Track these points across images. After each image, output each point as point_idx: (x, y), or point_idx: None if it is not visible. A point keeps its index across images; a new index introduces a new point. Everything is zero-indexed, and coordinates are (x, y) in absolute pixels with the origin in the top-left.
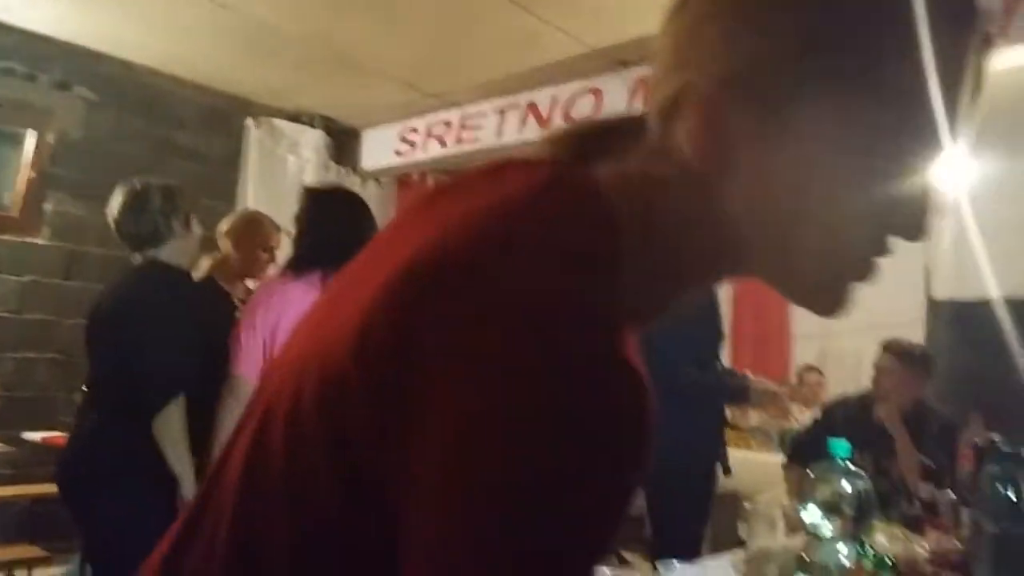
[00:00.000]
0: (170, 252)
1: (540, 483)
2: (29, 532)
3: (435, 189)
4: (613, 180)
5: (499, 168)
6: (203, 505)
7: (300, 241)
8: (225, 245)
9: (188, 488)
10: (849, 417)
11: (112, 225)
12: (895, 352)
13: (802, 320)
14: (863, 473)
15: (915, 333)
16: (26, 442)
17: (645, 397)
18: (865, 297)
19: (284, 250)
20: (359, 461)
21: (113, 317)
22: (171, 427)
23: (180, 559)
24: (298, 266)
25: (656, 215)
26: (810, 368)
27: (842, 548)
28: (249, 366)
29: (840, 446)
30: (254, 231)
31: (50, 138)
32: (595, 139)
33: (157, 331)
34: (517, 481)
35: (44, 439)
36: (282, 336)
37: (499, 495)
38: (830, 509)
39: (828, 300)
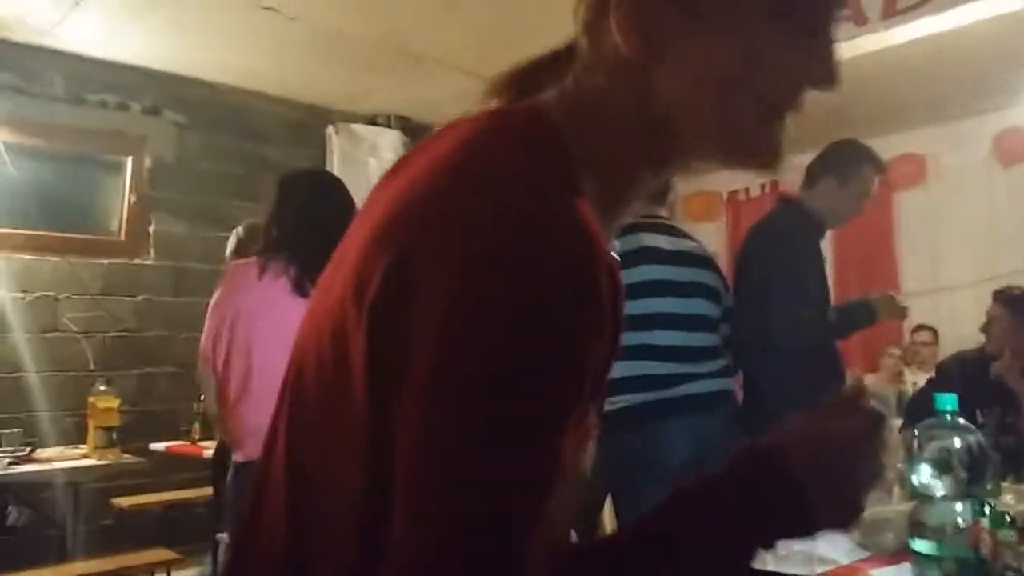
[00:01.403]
0: None
1: (518, 359)
2: (164, 536)
3: (402, 157)
4: (553, 101)
5: (453, 124)
6: (263, 484)
7: (267, 227)
8: None
9: None
10: (966, 374)
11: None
12: (1005, 300)
13: (912, 278)
14: (973, 427)
15: None
16: (153, 452)
17: (606, 279)
18: (981, 248)
19: None
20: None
21: None
22: None
23: (247, 540)
24: (264, 253)
25: (597, 119)
26: (921, 327)
27: (956, 507)
28: (207, 343)
29: (946, 400)
30: None
31: (147, 163)
32: (531, 76)
33: None
34: (499, 356)
35: (168, 448)
36: (244, 320)
37: (484, 365)
38: (940, 467)
39: (765, 153)
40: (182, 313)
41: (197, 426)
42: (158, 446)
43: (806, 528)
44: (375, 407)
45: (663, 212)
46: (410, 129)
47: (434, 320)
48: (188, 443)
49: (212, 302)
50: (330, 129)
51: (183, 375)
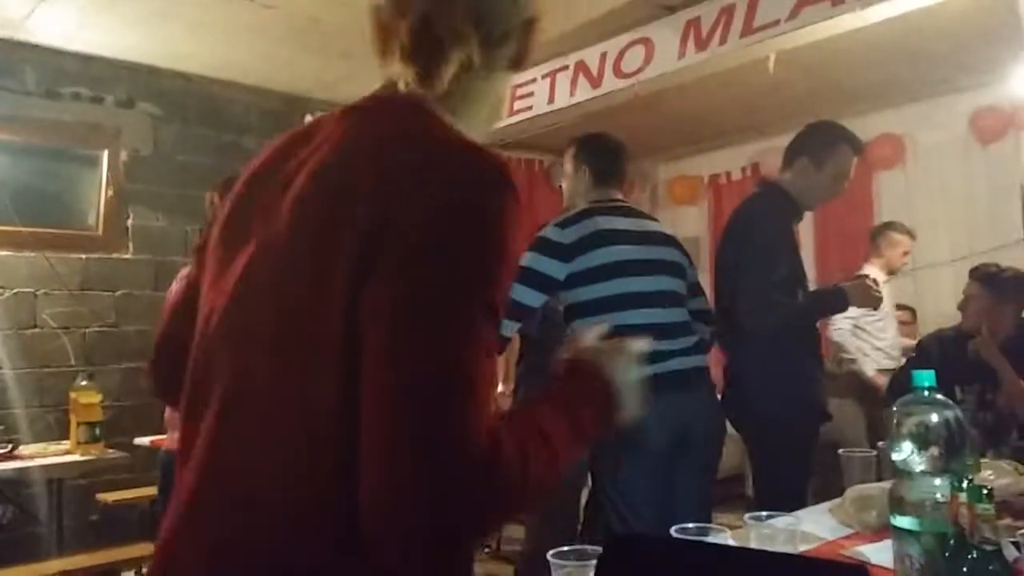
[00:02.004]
0: None
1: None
2: (150, 531)
3: (285, 141)
4: (423, 95)
5: (350, 109)
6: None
7: None
8: None
9: None
10: (945, 352)
11: None
12: (982, 278)
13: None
14: (951, 402)
15: (1015, 256)
16: (138, 447)
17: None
18: (959, 226)
19: None
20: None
21: None
22: None
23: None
24: None
25: (457, 109)
26: (900, 307)
27: (935, 482)
28: None
29: (923, 376)
30: None
31: (123, 156)
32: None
33: None
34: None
35: (153, 442)
36: None
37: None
38: (919, 443)
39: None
40: (162, 307)
41: None
42: (142, 441)
43: (613, 406)
44: (350, 333)
45: (618, 195)
46: None
47: (409, 246)
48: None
49: None
50: (308, 118)
51: None
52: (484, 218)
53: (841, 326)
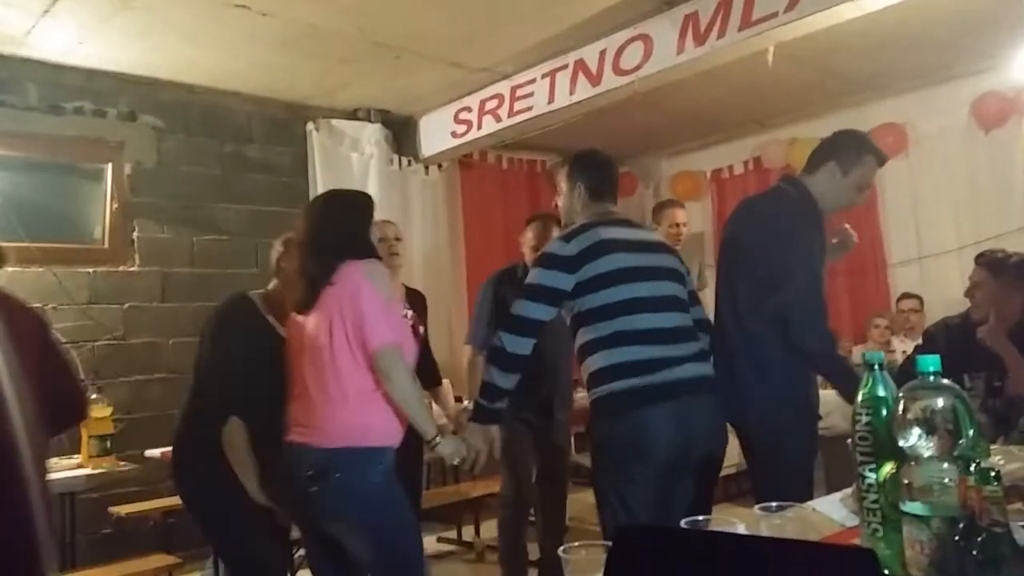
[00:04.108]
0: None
1: None
2: (164, 542)
3: None
4: None
5: None
6: None
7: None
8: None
9: (252, 491)
10: (952, 340)
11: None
12: (987, 264)
13: (898, 248)
14: (957, 387)
15: (1020, 242)
16: (149, 459)
17: None
18: (963, 214)
19: None
20: None
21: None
22: (230, 440)
23: None
24: None
25: None
26: (907, 295)
27: (943, 467)
28: None
29: (928, 361)
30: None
31: (126, 169)
32: None
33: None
34: None
35: (164, 454)
36: None
37: None
38: (925, 428)
39: None
40: (170, 318)
41: None
42: (153, 453)
43: None
44: None
45: (613, 208)
46: (392, 122)
47: None
48: None
49: None
50: (310, 126)
51: (174, 380)
52: None
53: None
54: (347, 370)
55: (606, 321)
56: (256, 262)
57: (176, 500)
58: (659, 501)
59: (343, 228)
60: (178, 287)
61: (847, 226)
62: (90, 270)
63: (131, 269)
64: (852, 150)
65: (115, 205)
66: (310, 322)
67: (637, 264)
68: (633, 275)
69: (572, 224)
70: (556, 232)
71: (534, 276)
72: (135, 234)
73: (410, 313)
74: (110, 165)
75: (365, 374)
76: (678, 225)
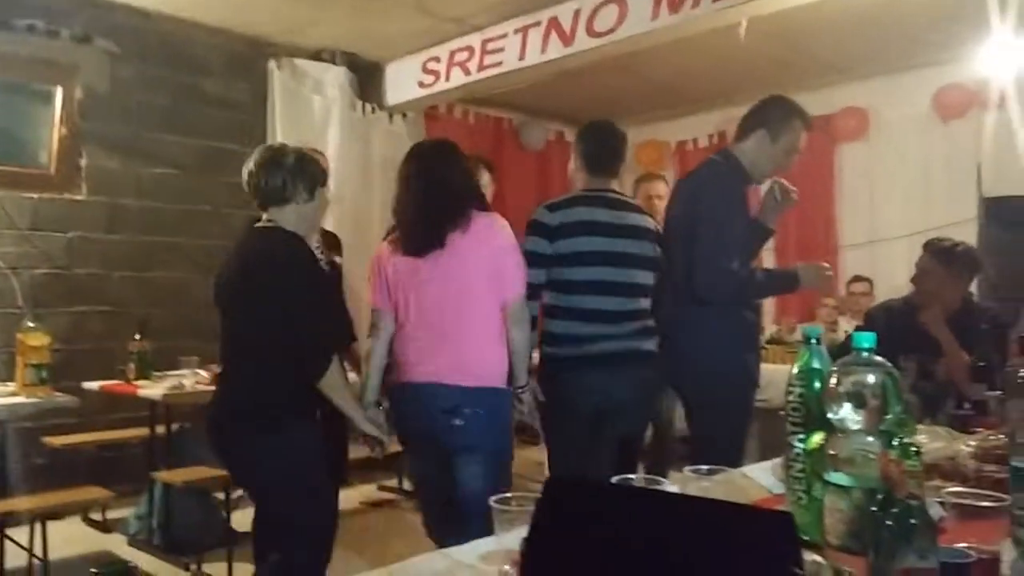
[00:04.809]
0: (289, 216)
1: None
2: (98, 476)
3: None
4: None
5: None
6: None
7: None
8: None
9: (361, 424)
10: (892, 322)
11: (244, 178)
12: (934, 251)
13: (849, 230)
14: (888, 363)
15: (968, 233)
16: (87, 392)
17: None
18: (916, 201)
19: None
20: None
21: (255, 280)
22: (334, 382)
23: None
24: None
25: None
26: (857, 278)
27: (868, 440)
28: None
29: (863, 338)
30: None
31: (77, 93)
32: None
33: (309, 300)
34: None
35: (102, 387)
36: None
37: None
38: (855, 401)
39: None
40: (116, 251)
41: (132, 366)
42: (91, 385)
43: None
44: None
45: (610, 184)
46: (357, 66)
47: None
48: (123, 382)
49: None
50: (272, 63)
51: (117, 314)
52: None
53: None
54: (492, 315)
55: (565, 296)
56: (206, 199)
57: (111, 434)
58: (578, 453)
59: (469, 179)
60: (125, 219)
61: (783, 180)
62: (34, 195)
63: (77, 198)
64: (780, 116)
65: (64, 130)
66: (434, 266)
67: (608, 249)
68: (600, 259)
69: (572, 190)
70: (485, 175)
71: (527, 243)
72: (83, 161)
73: (337, 259)
74: (60, 88)
75: (500, 320)
76: (651, 198)
